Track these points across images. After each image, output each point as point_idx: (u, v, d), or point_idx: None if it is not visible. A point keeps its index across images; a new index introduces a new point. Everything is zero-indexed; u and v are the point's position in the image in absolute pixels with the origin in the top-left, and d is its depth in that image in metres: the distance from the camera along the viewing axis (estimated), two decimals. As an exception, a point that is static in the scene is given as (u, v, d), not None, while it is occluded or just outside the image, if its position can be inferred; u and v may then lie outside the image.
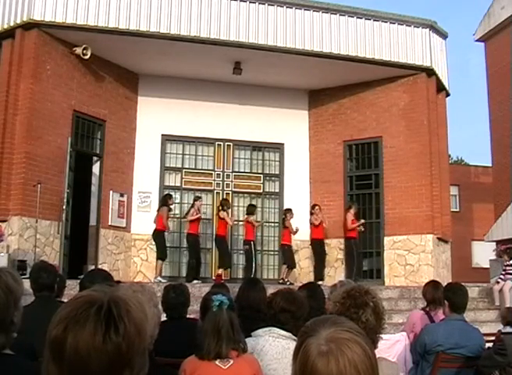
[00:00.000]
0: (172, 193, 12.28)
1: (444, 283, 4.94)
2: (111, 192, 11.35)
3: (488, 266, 16.41)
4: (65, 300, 3.85)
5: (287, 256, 11.56)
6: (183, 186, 12.47)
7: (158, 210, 11.03)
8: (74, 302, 1.02)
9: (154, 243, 11.09)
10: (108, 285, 1.13)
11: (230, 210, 11.59)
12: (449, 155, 17.34)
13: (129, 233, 11.77)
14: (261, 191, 12.88)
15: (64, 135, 10.23)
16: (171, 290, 4.01)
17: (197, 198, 11.29)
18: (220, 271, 11.14)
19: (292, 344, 2.87)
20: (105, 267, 9.83)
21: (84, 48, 10.38)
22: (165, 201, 11.05)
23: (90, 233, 11.10)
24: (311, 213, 11.73)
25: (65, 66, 10.50)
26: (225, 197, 12.29)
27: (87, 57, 10.46)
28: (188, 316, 4.16)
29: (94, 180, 11.29)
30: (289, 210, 11.70)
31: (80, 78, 10.81)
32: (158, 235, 10.90)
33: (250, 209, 11.54)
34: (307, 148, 13.06)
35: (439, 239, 11.99)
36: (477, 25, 19.91)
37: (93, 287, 1.09)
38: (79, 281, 3.33)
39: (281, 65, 11.62)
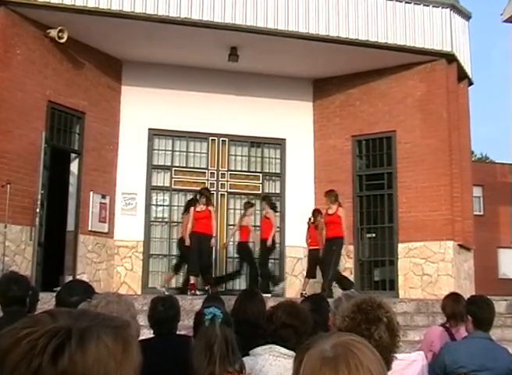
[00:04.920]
0: (161, 194, 12.31)
1: (466, 296, 4.94)
2: (91, 193, 11.34)
3: (515, 277, 16.43)
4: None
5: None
6: (173, 186, 12.47)
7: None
8: (24, 321, 0.96)
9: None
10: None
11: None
12: (472, 152, 17.38)
13: (112, 240, 11.76)
14: (260, 191, 12.88)
15: (38, 129, 10.21)
16: (159, 302, 4.00)
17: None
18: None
19: (295, 364, 2.86)
20: (85, 278, 9.81)
21: (60, 31, 10.35)
22: (190, 205, 11.14)
23: (67, 240, 11.08)
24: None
25: (39, 50, 10.47)
26: (214, 197, 12.29)
27: (63, 41, 10.44)
28: (179, 332, 4.16)
29: (72, 180, 11.28)
30: (318, 210, 11.46)
31: (56, 65, 10.79)
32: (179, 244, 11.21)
33: (270, 202, 11.40)
34: (311, 144, 13.07)
35: (460, 246, 12.00)
36: (505, 3, 19.88)
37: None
38: (55, 294, 3.31)
39: (282, 51, 11.62)
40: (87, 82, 11.44)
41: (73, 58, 11.13)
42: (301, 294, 10.77)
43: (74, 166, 11.32)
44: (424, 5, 12.10)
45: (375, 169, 12.65)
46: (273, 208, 11.35)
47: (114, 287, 11.48)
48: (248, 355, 3.04)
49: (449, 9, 12.32)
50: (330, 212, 10.83)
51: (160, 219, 12.39)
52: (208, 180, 12.60)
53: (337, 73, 12.78)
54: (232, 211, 12.55)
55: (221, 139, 12.75)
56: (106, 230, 11.63)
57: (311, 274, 11.30)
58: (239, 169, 12.88)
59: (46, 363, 0.87)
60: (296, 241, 11.80)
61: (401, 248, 11.97)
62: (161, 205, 12.40)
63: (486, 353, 3.97)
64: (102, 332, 0.93)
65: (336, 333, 1.26)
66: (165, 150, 12.58)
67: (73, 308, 1.08)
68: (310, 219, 11.44)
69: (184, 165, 12.62)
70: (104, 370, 0.91)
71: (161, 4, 10.58)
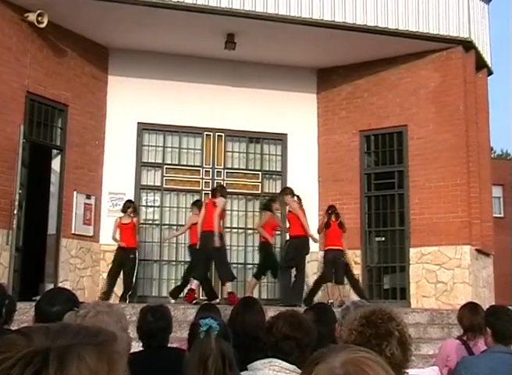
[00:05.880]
0: (151, 194, 12.30)
1: (485, 306, 4.93)
2: (75, 193, 11.33)
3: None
4: (15, 327, 3.83)
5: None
6: (164, 186, 12.46)
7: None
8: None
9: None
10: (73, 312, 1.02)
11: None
12: (492, 148, 17.38)
13: (98, 244, 11.75)
14: (260, 191, 12.89)
15: (15, 123, 10.18)
16: (148, 313, 4.00)
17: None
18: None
19: (298, 380, 2.86)
20: (68, 286, 9.79)
21: (39, 15, 10.33)
22: (268, 205, 11.14)
23: (48, 244, 11.07)
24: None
25: (16, 36, 10.44)
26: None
27: (43, 26, 10.42)
28: (170, 344, 4.15)
29: (54, 179, 11.27)
30: (335, 207, 11.47)
31: (35, 52, 10.77)
32: (261, 248, 11.18)
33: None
34: (315, 139, 13.07)
35: (478, 251, 12.00)
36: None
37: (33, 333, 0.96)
38: (34, 304, 3.30)
39: (283, 38, 11.62)
40: (69, 71, 11.42)
41: (54, 45, 11.11)
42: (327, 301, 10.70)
43: (56, 164, 11.31)
44: (438, -12, 12.10)
45: (384, 167, 12.64)
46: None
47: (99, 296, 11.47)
48: (246, 369, 3.04)
49: (466, -9, 12.34)
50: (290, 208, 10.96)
51: (150, 222, 12.38)
52: (202, 178, 12.59)
53: (343, 62, 12.77)
54: (229, 212, 12.52)
55: (217, 134, 12.74)
56: (91, 234, 11.62)
57: (332, 278, 11.18)
58: (236, 166, 12.88)
59: None
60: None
61: (413, 253, 11.96)
62: (151, 206, 12.39)
63: (509, 369, 3.96)
64: (84, 351, 0.91)
65: (347, 347, 1.24)
66: (156, 146, 12.56)
67: (53, 322, 1.05)
68: (329, 216, 11.37)
69: (176, 162, 12.61)
70: None
71: (151, -14, 10.57)
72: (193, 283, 10.53)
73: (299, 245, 10.72)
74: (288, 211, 11.11)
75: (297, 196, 11.14)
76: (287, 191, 11.20)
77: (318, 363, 1.17)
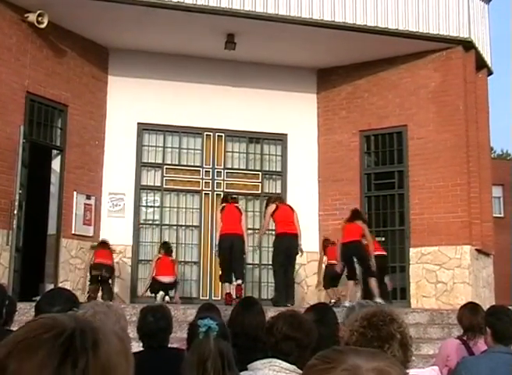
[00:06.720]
0: (151, 194, 12.30)
1: (485, 306, 4.93)
2: (75, 193, 11.33)
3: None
4: (16, 328, 3.82)
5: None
6: (164, 186, 12.46)
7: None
8: (29, 324, 0.99)
9: None
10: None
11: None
12: (492, 148, 17.36)
13: (97, 244, 11.74)
14: (260, 191, 12.88)
15: (15, 123, 10.19)
16: (148, 313, 4.00)
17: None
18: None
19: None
20: (68, 286, 9.79)
21: (39, 15, 10.34)
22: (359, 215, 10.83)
23: (48, 245, 11.08)
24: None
25: (15, 36, 10.45)
26: (210, 198, 12.27)
27: (43, 26, 10.42)
28: (171, 344, 4.15)
29: (54, 179, 11.27)
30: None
31: (35, 52, 10.77)
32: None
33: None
34: (315, 139, 13.07)
35: (478, 251, 12.00)
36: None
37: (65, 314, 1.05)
38: (34, 304, 3.30)
39: (284, 38, 11.62)
40: (69, 71, 11.42)
41: (54, 45, 11.11)
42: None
43: (56, 164, 11.31)
44: (438, -12, 12.10)
45: (384, 167, 12.65)
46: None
47: (99, 296, 11.46)
48: (246, 369, 3.03)
49: (466, -9, 12.34)
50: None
51: (150, 222, 12.38)
52: (202, 178, 12.59)
53: (343, 62, 12.76)
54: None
55: (217, 134, 12.74)
56: (91, 234, 11.60)
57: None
58: (236, 167, 12.87)
59: (92, 357, 0.92)
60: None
61: (413, 253, 11.96)
62: (151, 207, 12.39)
63: (509, 369, 3.95)
64: (108, 332, 0.99)
65: (363, 351, 1.09)
66: (156, 146, 12.56)
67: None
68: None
69: (176, 162, 12.60)
70: (119, 364, 0.97)
71: (151, -14, 10.57)
72: (227, 287, 10.42)
73: (277, 245, 10.65)
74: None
75: (278, 196, 11.42)
76: (270, 199, 11.13)
77: (333, 367, 1.02)
